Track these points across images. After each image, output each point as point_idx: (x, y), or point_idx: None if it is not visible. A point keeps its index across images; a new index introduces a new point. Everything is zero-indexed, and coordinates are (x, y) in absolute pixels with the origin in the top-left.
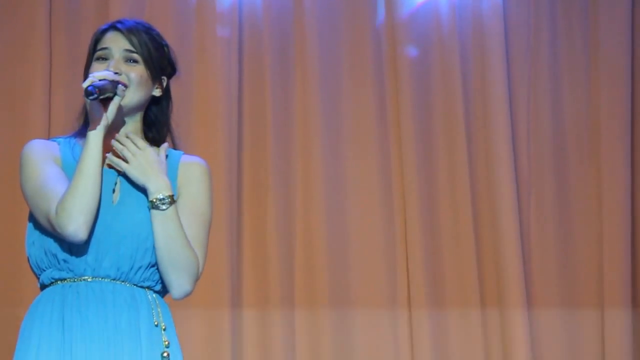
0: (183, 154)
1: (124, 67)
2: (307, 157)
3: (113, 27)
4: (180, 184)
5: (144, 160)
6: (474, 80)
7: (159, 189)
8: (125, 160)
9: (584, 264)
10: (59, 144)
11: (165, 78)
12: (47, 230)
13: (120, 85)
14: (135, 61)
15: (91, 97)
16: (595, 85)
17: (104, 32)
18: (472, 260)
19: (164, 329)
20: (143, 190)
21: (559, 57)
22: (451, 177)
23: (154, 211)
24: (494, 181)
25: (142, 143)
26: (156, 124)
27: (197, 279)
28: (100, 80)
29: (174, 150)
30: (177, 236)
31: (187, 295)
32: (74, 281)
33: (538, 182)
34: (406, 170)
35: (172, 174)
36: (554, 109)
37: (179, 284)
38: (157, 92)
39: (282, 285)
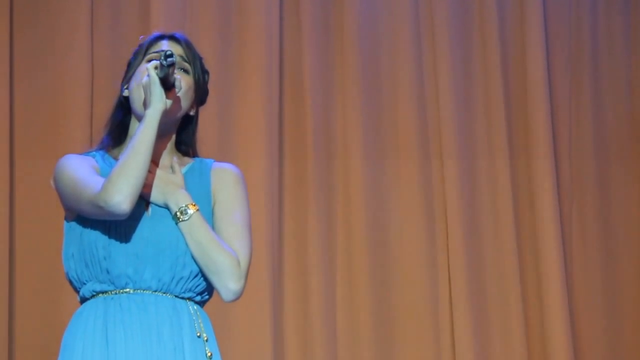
0: (214, 161)
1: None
2: (348, 169)
3: (170, 36)
4: (214, 190)
5: (158, 180)
6: (514, 84)
7: (177, 202)
8: None
9: (627, 271)
10: (94, 157)
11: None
12: (86, 235)
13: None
14: (186, 72)
15: (169, 61)
16: (637, 85)
17: (158, 38)
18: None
19: (206, 340)
20: None
21: (598, 57)
22: (492, 184)
23: (180, 224)
24: (535, 191)
25: (151, 165)
26: (185, 144)
27: (241, 276)
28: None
29: (204, 159)
30: (207, 241)
31: (237, 295)
32: (116, 293)
33: (579, 189)
34: (447, 181)
35: (205, 180)
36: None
37: (223, 286)
38: (192, 112)
39: (325, 297)
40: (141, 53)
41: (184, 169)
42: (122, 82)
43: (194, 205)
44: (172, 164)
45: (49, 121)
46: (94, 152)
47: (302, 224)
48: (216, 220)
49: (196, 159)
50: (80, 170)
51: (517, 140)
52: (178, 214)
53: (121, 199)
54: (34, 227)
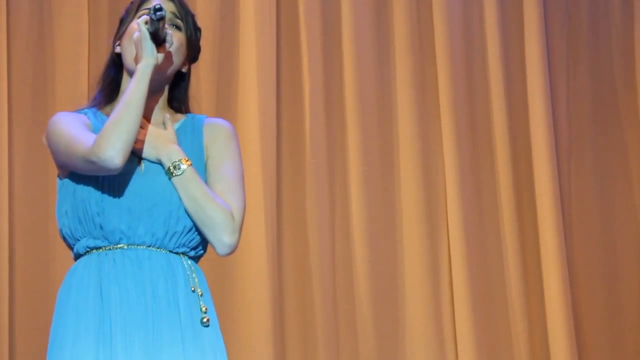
0: (206, 117)
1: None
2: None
3: None
4: (207, 145)
5: (150, 137)
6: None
7: (170, 157)
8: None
9: (626, 239)
10: (86, 114)
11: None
12: (80, 191)
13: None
14: (178, 28)
15: (158, 15)
16: (630, 38)
17: None
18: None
19: (201, 295)
20: None
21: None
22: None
23: (173, 179)
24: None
25: (143, 121)
26: (177, 100)
27: (235, 230)
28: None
29: (196, 115)
30: (201, 195)
31: (232, 249)
32: (110, 249)
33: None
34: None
35: (197, 135)
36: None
37: (217, 240)
38: (184, 69)
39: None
40: (133, 10)
41: (176, 125)
42: (114, 38)
43: (187, 160)
44: (164, 120)
45: (45, 80)
46: (86, 110)
47: (300, 177)
48: (209, 175)
49: (188, 115)
50: (72, 127)
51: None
52: (171, 168)
53: (113, 154)
54: (31, 183)
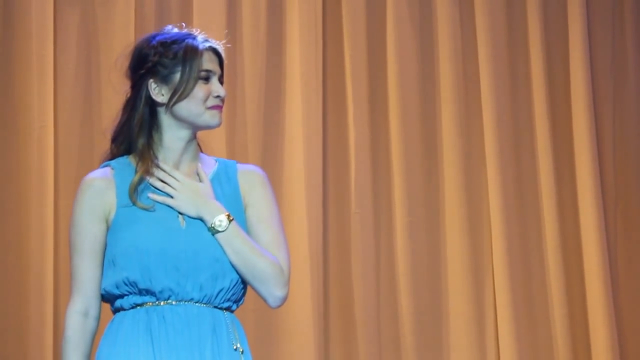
0: (236, 162)
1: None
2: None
3: (213, 49)
4: (243, 193)
5: (188, 192)
6: (558, 87)
7: (212, 214)
8: (170, 195)
9: None
10: (113, 169)
11: None
12: (120, 255)
13: None
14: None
15: None
16: None
17: (198, 51)
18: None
19: (242, 352)
20: None
21: None
22: (536, 186)
23: (217, 235)
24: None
25: (179, 175)
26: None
27: (286, 282)
28: None
29: (226, 160)
30: (248, 251)
31: (284, 301)
32: (158, 305)
33: (624, 192)
34: (491, 183)
35: (233, 184)
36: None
37: (268, 294)
38: None
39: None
40: (180, 62)
41: (210, 175)
42: (144, 75)
43: (229, 215)
44: (197, 171)
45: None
46: (114, 162)
47: (345, 227)
48: (251, 225)
49: (218, 161)
50: (76, 256)
51: (561, 143)
52: (214, 226)
53: None
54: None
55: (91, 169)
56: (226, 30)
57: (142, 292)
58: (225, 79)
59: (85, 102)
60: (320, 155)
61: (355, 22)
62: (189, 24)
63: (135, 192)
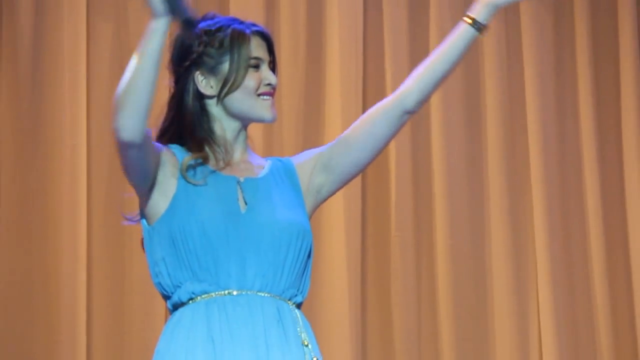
0: (290, 158)
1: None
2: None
3: (260, 32)
4: (302, 183)
5: None
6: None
7: None
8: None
9: None
10: (171, 150)
11: None
12: (178, 234)
13: None
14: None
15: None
16: None
17: (246, 36)
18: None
19: (307, 346)
20: (268, 193)
21: None
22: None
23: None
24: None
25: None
26: None
27: None
28: None
29: (282, 159)
30: None
31: None
32: (219, 296)
33: None
34: (535, 186)
35: (294, 179)
36: None
37: None
38: None
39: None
40: (228, 51)
41: (264, 171)
42: (189, 67)
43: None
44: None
45: None
46: (173, 146)
47: (385, 250)
48: (321, 156)
49: (268, 158)
50: None
51: (608, 144)
52: None
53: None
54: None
55: (124, 186)
56: None
57: (200, 275)
58: None
59: None
60: (360, 175)
61: (397, 37)
62: None
63: (191, 168)
